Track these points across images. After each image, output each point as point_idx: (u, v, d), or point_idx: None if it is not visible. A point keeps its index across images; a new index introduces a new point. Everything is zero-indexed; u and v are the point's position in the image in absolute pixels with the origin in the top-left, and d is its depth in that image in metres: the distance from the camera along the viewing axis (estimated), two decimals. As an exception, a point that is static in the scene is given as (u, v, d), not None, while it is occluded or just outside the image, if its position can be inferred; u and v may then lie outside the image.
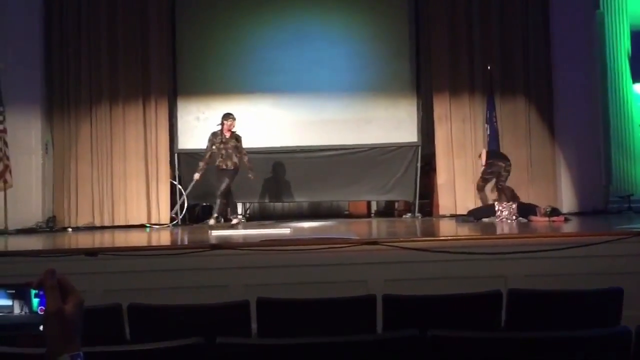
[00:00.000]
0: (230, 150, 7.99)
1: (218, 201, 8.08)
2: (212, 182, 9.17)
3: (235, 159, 8.01)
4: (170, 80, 9.26)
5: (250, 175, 8.06)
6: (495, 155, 8.32)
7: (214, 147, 8.03)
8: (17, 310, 1.13)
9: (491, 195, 8.50)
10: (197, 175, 8.17)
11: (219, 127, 8.09)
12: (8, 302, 1.13)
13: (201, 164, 8.12)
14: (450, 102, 9.10)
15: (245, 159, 8.08)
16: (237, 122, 8.13)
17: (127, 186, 8.92)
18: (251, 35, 9.34)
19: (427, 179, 9.36)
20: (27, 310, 1.12)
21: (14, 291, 1.14)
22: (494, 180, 8.27)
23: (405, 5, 9.34)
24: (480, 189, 8.21)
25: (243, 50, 9.35)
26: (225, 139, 8.04)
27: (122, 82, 9.02)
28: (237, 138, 8.12)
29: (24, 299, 1.13)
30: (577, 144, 8.77)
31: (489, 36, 9.06)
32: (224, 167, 8.00)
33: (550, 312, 2.93)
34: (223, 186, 7.99)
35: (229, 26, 9.36)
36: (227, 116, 8.12)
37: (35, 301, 1.12)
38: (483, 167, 8.20)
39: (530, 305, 2.96)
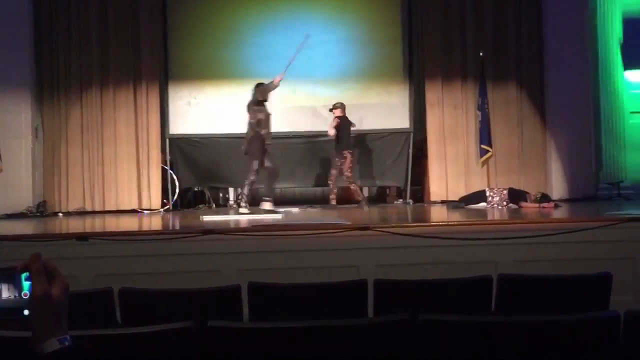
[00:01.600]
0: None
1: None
2: (203, 165, 9.17)
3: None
4: (162, 64, 9.19)
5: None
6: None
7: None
8: (5, 294, 1.12)
9: (477, 181, 8.58)
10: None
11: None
12: None
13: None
14: (443, 88, 9.10)
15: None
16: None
17: (117, 171, 8.87)
18: (243, 20, 9.29)
19: (418, 166, 9.38)
20: (17, 294, 1.12)
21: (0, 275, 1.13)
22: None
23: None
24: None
25: (235, 35, 9.29)
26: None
27: (112, 66, 8.94)
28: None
29: (13, 282, 1.12)
30: (568, 130, 8.81)
31: (481, 23, 9.05)
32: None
33: (539, 297, 2.96)
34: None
35: (220, 10, 9.29)
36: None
37: (26, 284, 1.11)
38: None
39: (520, 290, 2.98)
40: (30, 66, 8.76)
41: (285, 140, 9.14)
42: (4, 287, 1.12)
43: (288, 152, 9.16)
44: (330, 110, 8.46)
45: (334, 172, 8.29)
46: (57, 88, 8.89)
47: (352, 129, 8.65)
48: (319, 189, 10.23)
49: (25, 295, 1.12)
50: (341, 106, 8.42)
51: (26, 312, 1.11)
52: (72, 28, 8.89)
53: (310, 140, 9.26)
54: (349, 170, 8.17)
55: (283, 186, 9.70)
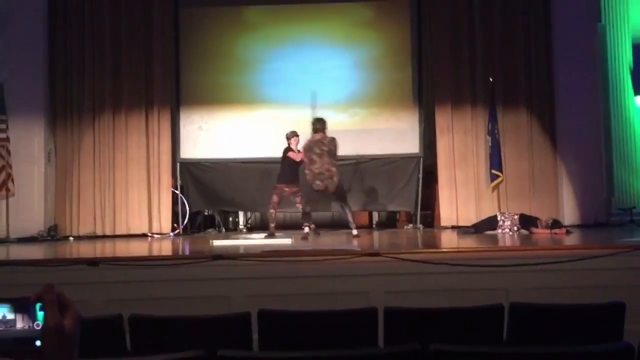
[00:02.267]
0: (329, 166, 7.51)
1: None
2: (214, 189, 9.21)
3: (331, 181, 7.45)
4: (174, 89, 9.30)
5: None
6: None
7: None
8: (19, 325, 1.13)
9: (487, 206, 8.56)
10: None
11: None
12: (10, 316, 1.13)
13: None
14: (452, 113, 9.12)
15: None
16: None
17: (128, 195, 8.93)
18: (254, 46, 9.40)
19: (428, 190, 9.36)
20: (31, 324, 1.12)
21: (14, 305, 1.13)
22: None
23: (408, 17, 9.38)
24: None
25: (246, 61, 9.40)
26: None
27: (125, 91, 9.06)
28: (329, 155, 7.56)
29: (28, 312, 1.12)
30: (579, 156, 8.76)
31: (491, 48, 9.09)
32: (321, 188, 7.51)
33: (552, 326, 2.92)
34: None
35: (232, 36, 9.41)
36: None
37: (40, 315, 1.12)
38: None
39: (532, 319, 2.95)
40: (44, 91, 8.90)
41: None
42: (19, 318, 1.12)
43: (302, 177, 9.17)
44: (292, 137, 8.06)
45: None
46: (70, 112, 9.01)
47: (359, 153, 8.70)
48: (327, 213, 10.23)
49: (38, 325, 1.12)
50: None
51: (38, 342, 1.12)
52: (86, 53, 9.04)
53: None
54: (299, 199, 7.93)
55: (291, 211, 9.70)
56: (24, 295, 1.15)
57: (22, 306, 1.13)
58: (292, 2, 9.50)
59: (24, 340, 1.12)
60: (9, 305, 1.13)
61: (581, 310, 2.95)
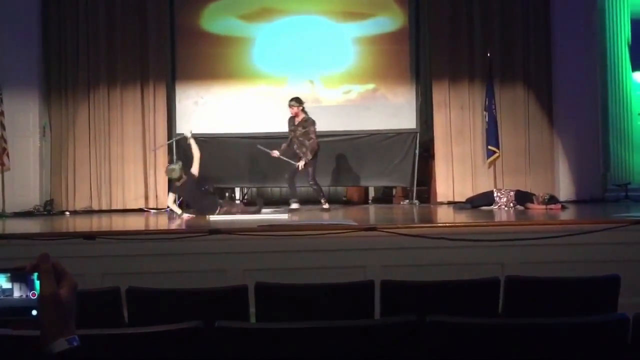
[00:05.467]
0: (301, 138, 7.76)
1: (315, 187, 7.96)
2: (210, 165, 9.16)
3: (305, 146, 7.72)
4: (169, 63, 9.21)
5: (298, 164, 7.74)
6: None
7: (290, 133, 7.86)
8: (16, 294, 1.13)
9: (484, 182, 8.57)
10: (275, 153, 7.94)
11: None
12: (7, 285, 1.13)
13: (283, 145, 7.91)
14: (450, 89, 9.07)
15: (307, 143, 7.73)
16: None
17: (125, 170, 8.90)
18: (251, 20, 9.29)
19: (425, 166, 9.36)
20: (29, 294, 1.12)
21: (11, 274, 1.13)
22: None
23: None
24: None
25: (242, 35, 9.30)
26: (293, 127, 7.85)
27: (120, 65, 8.97)
28: (303, 125, 7.77)
29: (25, 282, 1.12)
30: (576, 132, 8.76)
31: (489, 23, 9.01)
32: (300, 155, 7.76)
33: (547, 299, 2.95)
34: (310, 175, 7.82)
35: (228, 10, 9.30)
36: (290, 102, 7.87)
37: (37, 284, 1.12)
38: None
39: (527, 292, 2.97)
40: (38, 65, 8.81)
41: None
42: (16, 287, 1.12)
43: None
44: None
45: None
46: (64, 87, 8.93)
47: (356, 128, 8.69)
48: (323, 188, 10.24)
49: (34, 295, 1.12)
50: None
51: (34, 312, 1.12)
52: (80, 27, 8.92)
53: (319, 141, 9.23)
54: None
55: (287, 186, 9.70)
56: (19, 265, 1.15)
57: (19, 276, 1.13)
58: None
59: (21, 309, 1.13)
60: (6, 275, 1.13)
61: (577, 283, 2.97)
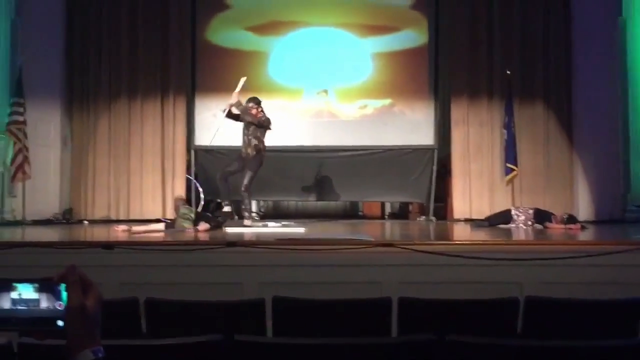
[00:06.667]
0: (249, 137, 7.29)
1: (245, 198, 7.37)
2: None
3: (253, 146, 7.25)
4: (189, 76, 9.31)
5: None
6: None
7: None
8: (43, 304, 1.14)
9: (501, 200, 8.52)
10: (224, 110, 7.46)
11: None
12: (34, 296, 1.14)
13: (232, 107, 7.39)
14: (468, 105, 9.05)
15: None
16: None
17: (143, 180, 8.98)
18: (271, 34, 9.37)
19: (442, 182, 9.32)
20: (55, 305, 1.13)
21: (38, 285, 1.15)
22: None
23: (425, 7, 9.30)
24: None
25: (262, 48, 9.38)
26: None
27: (141, 77, 9.09)
28: (259, 123, 7.26)
29: (52, 292, 1.14)
30: (596, 151, 8.68)
31: (509, 41, 9.00)
32: (244, 154, 7.34)
33: (567, 321, 2.91)
34: (246, 180, 7.32)
35: (249, 24, 9.39)
36: (250, 101, 7.42)
37: (64, 295, 1.13)
38: None
39: (547, 313, 2.94)
40: (61, 76, 8.95)
41: (308, 154, 9.19)
42: (42, 297, 1.14)
43: (311, 166, 9.19)
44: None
45: None
46: (86, 98, 9.05)
47: (373, 143, 8.69)
48: (340, 203, 10.24)
49: (60, 305, 1.14)
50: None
51: (60, 322, 1.13)
52: (103, 39, 9.07)
53: (334, 155, 9.27)
54: None
55: (304, 200, 9.73)
56: (45, 276, 1.16)
57: (46, 286, 1.15)
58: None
59: (47, 320, 1.14)
60: (33, 285, 1.14)
61: (597, 306, 2.93)
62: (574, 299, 3.07)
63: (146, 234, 6.55)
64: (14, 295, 1.13)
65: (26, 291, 1.14)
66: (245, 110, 7.38)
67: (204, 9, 9.41)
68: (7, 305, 1.13)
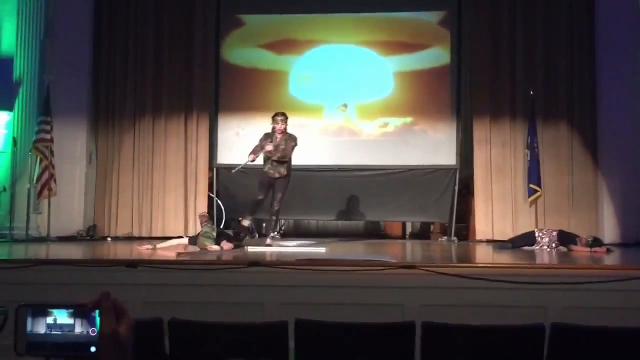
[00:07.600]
0: (275, 165, 7.22)
1: (276, 217, 7.37)
2: (249, 195, 9.22)
3: (283, 168, 7.20)
4: (213, 94, 9.43)
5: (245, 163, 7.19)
6: None
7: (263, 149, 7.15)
8: (77, 330, 1.16)
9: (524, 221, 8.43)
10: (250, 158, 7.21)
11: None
12: (69, 321, 1.16)
13: (251, 156, 7.23)
14: (491, 125, 9.01)
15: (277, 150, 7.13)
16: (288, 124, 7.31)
17: (166, 198, 9.07)
18: (293, 53, 9.47)
19: (463, 203, 9.25)
20: (89, 330, 1.15)
21: (73, 311, 1.16)
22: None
23: (447, 27, 9.32)
24: None
25: (284, 68, 9.47)
26: (277, 142, 7.18)
27: (165, 96, 9.23)
28: (286, 140, 7.17)
29: (87, 318, 1.15)
30: (622, 172, 8.56)
31: (532, 60, 8.96)
32: (275, 175, 7.25)
33: (593, 349, 2.86)
34: (278, 200, 7.25)
35: (271, 43, 9.50)
36: (275, 116, 7.26)
37: (98, 321, 1.15)
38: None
39: (573, 340, 2.89)
40: (87, 93, 9.14)
41: (330, 173, 9.21)
42: (77, 323, 1.15)
43: (332, 186, 9.20)
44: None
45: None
46: (112, 115, 9.22)
47: (395, 163, 8.68)
48: (361, 222, 10.22)
49: (93, 331, 1.15)
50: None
51: (93, 348, 1.14)
52: (129, 57, 9.25)
53: (355, 175, 9.28)
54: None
55: (325, 219, 9.73)
56: (72, 296, 1.18)
57: (81, 312, 1.16)
58: (331, 11, 9.54)
59: (80, 345, 1.15)
60: (68, 311, 1.16)
61: (625, 333, 2.88)
62: (601, 326, 3.02)
63: (169, 249, 6.61)
64: (49, 320, 1.15)
65: (61, 316, 1.16)
66: (267, 154, 7.26)
67: (223, 26, 9.55)
68: (42, 330, 1.15)
